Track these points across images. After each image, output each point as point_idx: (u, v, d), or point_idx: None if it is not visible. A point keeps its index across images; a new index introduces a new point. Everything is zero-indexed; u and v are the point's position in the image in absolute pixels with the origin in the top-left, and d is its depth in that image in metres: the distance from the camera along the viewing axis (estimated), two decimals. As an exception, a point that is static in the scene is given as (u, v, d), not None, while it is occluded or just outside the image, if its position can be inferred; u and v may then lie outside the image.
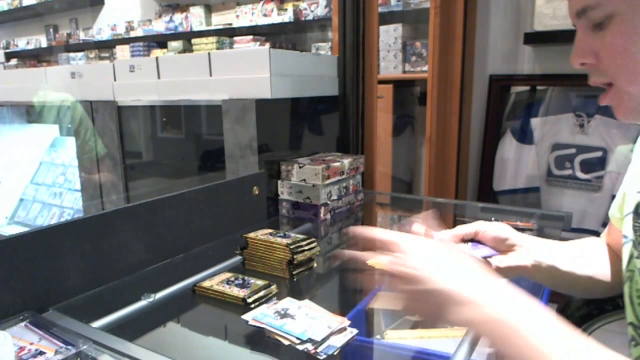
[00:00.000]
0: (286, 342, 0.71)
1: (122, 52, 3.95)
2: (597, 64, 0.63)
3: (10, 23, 5.27)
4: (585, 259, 0.84)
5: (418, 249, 0.61)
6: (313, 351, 0.69)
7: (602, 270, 0.83)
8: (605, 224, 1.85)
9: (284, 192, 1.43)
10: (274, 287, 0.90)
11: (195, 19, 3.57)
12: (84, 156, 1.91)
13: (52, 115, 2.07)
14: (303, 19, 3.09)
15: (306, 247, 1.01)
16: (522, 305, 0.53)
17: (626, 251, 0.74)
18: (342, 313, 0.80)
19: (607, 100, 0.65)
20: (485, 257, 0.76)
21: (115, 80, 1.77)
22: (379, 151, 1.89)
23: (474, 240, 0.80)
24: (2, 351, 0.59)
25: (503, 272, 0.76)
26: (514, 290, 0.56)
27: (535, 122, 2.01)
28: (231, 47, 3.28)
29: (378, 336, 0.80)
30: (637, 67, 0.59)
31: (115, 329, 0.79)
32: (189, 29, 3.61)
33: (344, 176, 1.46)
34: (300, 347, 0.70)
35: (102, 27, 4.37)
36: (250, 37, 3.23)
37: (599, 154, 1.87)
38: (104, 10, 4.45)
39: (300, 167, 1.39)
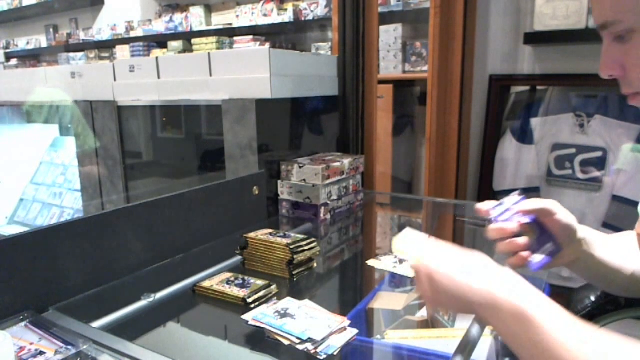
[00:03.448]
0: (286, 342, 0.71)
1: (122, 52, 3.94)
2: (624, 75, 0.65)
3: (10, 23, 5.27)
4: (630, 255, 0.84)
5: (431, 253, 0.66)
6: (313, 351, 0.69)
7: (626, 264, 0.83)
8: (605, 224, 1.85)
9: (284, 192, 1.43)
10: (274, 287, 0.90)
11: (195, 19, 3.57)
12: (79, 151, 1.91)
13: (45, 114, 2.07)
14: (303, 19, 3.09)
15: (306, 247, 1.01)
16: (538, 299, 0.55)
17: None
18: (342, 313, 0.80)
19: (635, 102, 0.67)
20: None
21: (115, 80, 1.77)
22: (379, 151, 1.89)
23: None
24: (2, 351, 0.59)
25: (556, 263, 0.79)
26: (526, 283, 0.58)
27: (535, 122, 2.01)
28: (231, 47, 3.28)
29: (378, 336, 0.80)
30: None
31: (115, 329, 0.79)
32: (189, 29, 3.61)
33: (344, 176, 1.46)
34: (300, 347, 0.70)
35: (102, 27, 4.37)
36: (250, 37, 3.23)
37: (599, 154, 1.87)
38: (104, 10, 4.45)
39: (300, 167, 1.39)
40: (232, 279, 0.93)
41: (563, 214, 0.77)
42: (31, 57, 5.09)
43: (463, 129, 2.09)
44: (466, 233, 1.42)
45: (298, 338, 0.71)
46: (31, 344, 0.69)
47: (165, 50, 3.69)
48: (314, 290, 0.98)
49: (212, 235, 1.20)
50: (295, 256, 0.98)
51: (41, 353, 0.66)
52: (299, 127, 1.60)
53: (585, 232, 0.80)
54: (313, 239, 1.04)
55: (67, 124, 1.92)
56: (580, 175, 1.91)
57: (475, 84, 2.13)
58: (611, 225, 1.83)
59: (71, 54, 4.45)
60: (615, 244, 0.86)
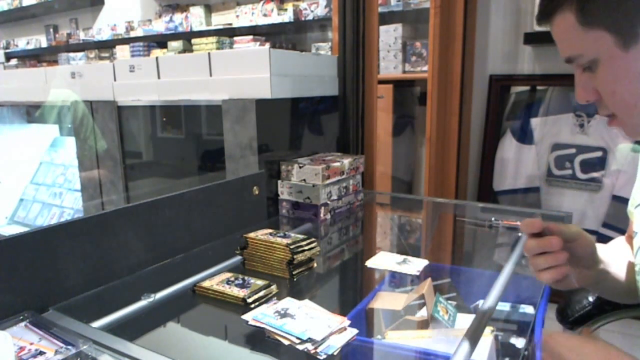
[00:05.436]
0: (286, 342, 0.71)
1: (122, 52, 3.94)
2: (599, 99, 0.69)
3: (10, 23, 5.27)
4: (624, 263, 0.87)
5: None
6: (313, 351, 0.69)
7: (620, 272, 0.84)
8: (605, 224, 1.85)
9: (284, 192, 1.43)
10: (274, 287, 0.90)
11: (195, 19, 3.57)
12: (84, 154, 1.91)
13: (53, 114, 2.07)
14: (303, 19, 3.09)
15: (306, 247, 1.01)
16: None
17: (636, 244, 0.75)
18: (342, 313, 0.80)
19: (614, 125, 0.71)
20: None
21: (115, 80, 1.77)
22: (379, 151, 1.89)
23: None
24: (2, 351, 0.59)
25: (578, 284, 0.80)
26: None
27: (535, 122, 2.01)
28: (231, 47, 3.28)
29: (378, 336, 0.80)
30: (629, 103, 0.65)
31: (115, 329, 0.79)
32: (189, 29, 3.61)
33: (344, 176, 1.46)
34: (300, 347, 0.70)
35: (102, 27, 4.37)
36: (250, 37, 3.22)
37: (599, 154, 1.87)
38: (104, 10, 4.45)
39: (300, 167, 1.39)
40: (232, 279, 0.93)
41: (589, 238, 0.78)
42: (31, 57, 5.09)
43: (463, 129, 2.09)
44: (466, 233, 1.42)
45: (298, 338, 0.71)
46: (31, 344, 0.69)
47: (165, 50, 3.68)
48: (314, 290, 0.98)
49: (212, 235, 1.20)
50: (295, 256, 0.98)
51: (41, 353, 0.66)
52: (299, 127, 1.60)
53: (601, 253, 0.82)
54: (313, 239, 1.04)
55: (78, 125, 1.91)
56: (580, 175, 1.91)
57: (475, 84, 2.13)
58: (611, 225, 1.83)
59: (71, 54, 4.45)
60: (619, 255, 0.88)
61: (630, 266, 0.85)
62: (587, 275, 0.80)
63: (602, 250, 0.84)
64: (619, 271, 0.84)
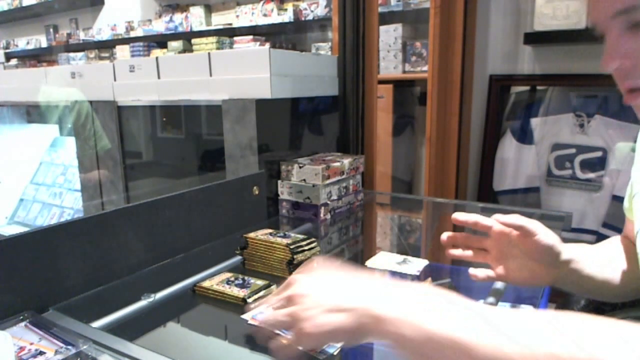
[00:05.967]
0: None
1: (122, 52, 3.94)
2: (633, 66, 0.57)
3: (10, 23, 5.27)
4: (616, 263, 0.83)
5: (304, 280, 0.61)
6: (313, 351, 0.69)
7: (614, 273, 0.82)
8: (605, 224, 1.85)
9: (284, 192, 1.43)
10: (274, 287, 0.90)
11: (195, 19, 3.57)
12: (84, 154, 1.91)
13: (55, 114, 2.07)
14: (303, 19, 3.09)
15: (306, 247, 1.01)
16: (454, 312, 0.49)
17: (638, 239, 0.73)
18: (342, 313, 0.79)
19: (638, 100, 0.60)
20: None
21: (115, 80, 1.77)
22: (379, 151, 1.89)
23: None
24: (2, 351, 0.59)
25: (534, 283, 0.77)
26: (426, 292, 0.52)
27: (535, 122, 2.01)
28: (231, 47, 3.28)
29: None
30: None
31: (115, 329, 0.79)
32: (189, 29, 3.61)
33: (344, 176, 1.46)
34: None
35: (102, 27, 4.37)
36: (250, 37, 3.23)
37: (599, 154, 1.87)
38: (104, 10, 4.45)
39: (300, 167, 1.39)
40: (232, 279, 0.93)
41: (544, 235, 0.73)
42: (31, 57, 5.09)
43: (463, 129, 2.09)
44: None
45: (298, 338, 0.71)
46: (31, 344, 0.69)
47: (165, 50, 3.69)
48: (314, 290, 0.98)
49: (212, 235, 1.20)
50: (295, 256, 0.98)
51: (41, 353, 0.66)
52: (299, 127, 1.60)
53: (572, 252, 0.77)
54: (313, 239, 1.04)
55: (81, 124, 1.90)
56: (580, 175, 1.91)
57: (475, 84, 2.13)
58: (611, 225, 1.83)
59: (71, 54, 4.45)
60: (603, 254, 0.85)
61: (620, 264, 0.83)
62: (552, 273, 0.75)
63: (586, 250, 0.81)
64: (608, 271, 0.80)
